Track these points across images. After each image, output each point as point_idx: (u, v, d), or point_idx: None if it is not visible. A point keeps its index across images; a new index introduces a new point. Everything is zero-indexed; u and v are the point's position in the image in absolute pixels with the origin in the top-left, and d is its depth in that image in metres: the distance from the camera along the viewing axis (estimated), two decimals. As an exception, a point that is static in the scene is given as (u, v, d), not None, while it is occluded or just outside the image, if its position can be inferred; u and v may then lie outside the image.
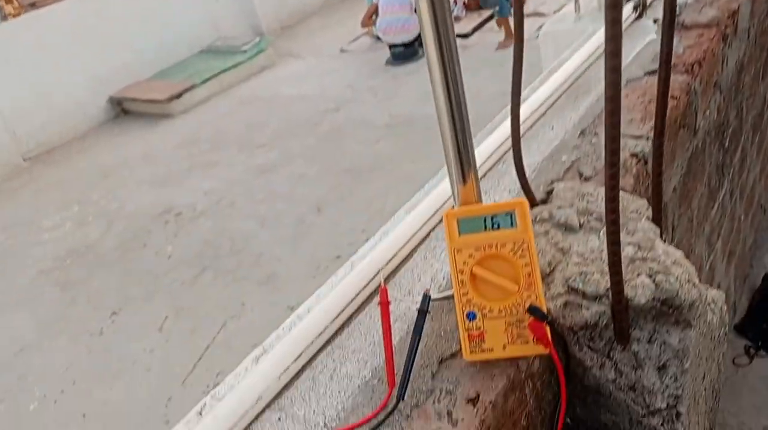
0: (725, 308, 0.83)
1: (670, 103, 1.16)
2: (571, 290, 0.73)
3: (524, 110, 1.10)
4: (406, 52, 4.87)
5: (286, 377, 0.73)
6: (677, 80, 1.20)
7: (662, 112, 0.82)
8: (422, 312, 0.68)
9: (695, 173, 1.40)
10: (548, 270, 0.77)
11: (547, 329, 0.64)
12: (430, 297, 0.70)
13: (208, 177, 4.11)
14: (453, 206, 0.75)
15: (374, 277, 0.84)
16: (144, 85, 5.48)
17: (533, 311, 0.64)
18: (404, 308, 0.80)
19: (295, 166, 3.93)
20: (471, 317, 0.67)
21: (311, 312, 0.80)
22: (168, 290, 3.14)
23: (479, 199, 0.73)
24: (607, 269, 0.73)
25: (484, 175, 1.01)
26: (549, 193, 0.92)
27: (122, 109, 5.57)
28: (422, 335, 0.68)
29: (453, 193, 0.73)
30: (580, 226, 0.83)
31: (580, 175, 0.96)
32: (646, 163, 1.00)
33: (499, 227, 0.68)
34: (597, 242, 0.80)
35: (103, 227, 3.87)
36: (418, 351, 0.70)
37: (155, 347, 2.79)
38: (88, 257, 3.60)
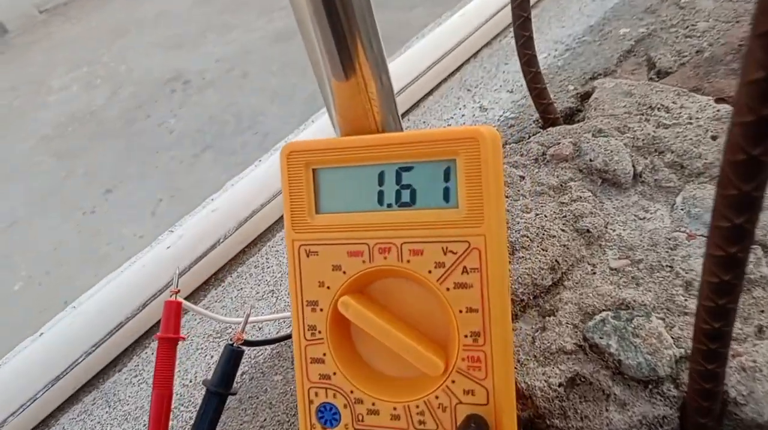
0: None
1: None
2: (592, 349, 0.31)
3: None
4: None
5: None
6: None
7: None
8: (213, 395, 0.28)
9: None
10: (549, 280, 0.35)
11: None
12: (237, 352, 0.29)
13: (223, 42, 3.70)
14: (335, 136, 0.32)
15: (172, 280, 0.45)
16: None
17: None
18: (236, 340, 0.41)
19: (316, 34, 3.43)
20: (326, 417, 0.27)
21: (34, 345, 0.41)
22: (165, 170, 2.86)
23: (395, 125, 0.29)
24: (684, 308, 0.31)
25: (470, 59, 0.56)
26: (584, 98, 0.47)
27: (141, -40, 5.03)
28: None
29: (327, 106, 0.29)
30: (637, 177, 0.40)
31: (651, 65, 0.50)
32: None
33: (413, 201, 0.26)
34: (668, 221, 0.37)
35: (108, 92, 3.60)
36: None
37: (146, 233, 2.56)
38: (90, 125, 3.37)
